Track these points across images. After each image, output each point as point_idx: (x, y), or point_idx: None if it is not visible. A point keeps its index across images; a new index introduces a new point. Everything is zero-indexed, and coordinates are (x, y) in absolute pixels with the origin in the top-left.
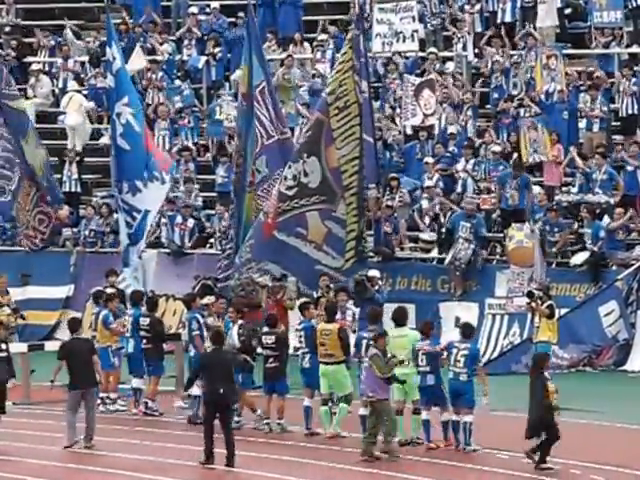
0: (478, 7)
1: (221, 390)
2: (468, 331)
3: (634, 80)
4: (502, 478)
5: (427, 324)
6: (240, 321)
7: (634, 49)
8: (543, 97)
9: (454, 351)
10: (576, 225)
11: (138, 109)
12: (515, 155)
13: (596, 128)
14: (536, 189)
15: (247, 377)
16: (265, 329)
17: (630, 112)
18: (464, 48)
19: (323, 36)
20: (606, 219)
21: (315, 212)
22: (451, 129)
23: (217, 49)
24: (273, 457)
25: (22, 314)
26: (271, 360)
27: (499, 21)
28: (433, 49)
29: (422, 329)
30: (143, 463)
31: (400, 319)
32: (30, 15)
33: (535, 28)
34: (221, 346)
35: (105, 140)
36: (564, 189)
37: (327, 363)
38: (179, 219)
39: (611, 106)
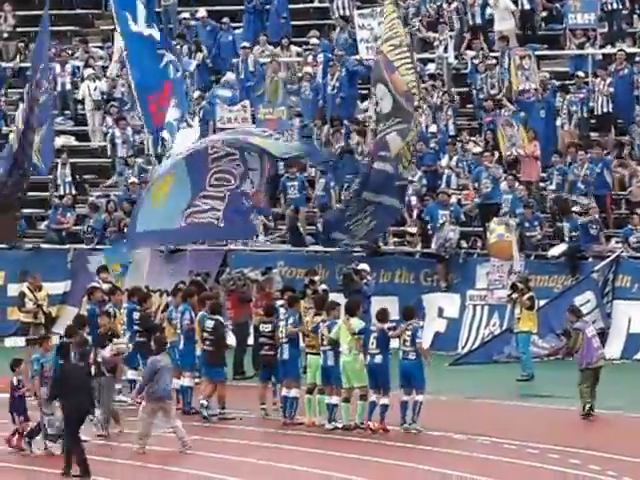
0: (454, 5)
1: (84, 404)
2: (408, 313)
3: (609, 80)
4: (487, 463)
5: (382, 311)
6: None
7: (608, 50)
8: (520, 96)
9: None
10: (554, 219)
11: None
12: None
13: (572, 126)
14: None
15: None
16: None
17: (605, 110)
18: (445, 50)
19: (315, 40)
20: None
21: (394, 133)
22: (432, 128)
23: (204, 53)
24: (258, 444)
25: (45, 311)
26: (267, 348)
27: (471, 23)
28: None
29: (378, 316)
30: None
31: (350, 309)
32: (27, 22)
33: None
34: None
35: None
36: (542, 184)
37: (311, 353)
38: None
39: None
